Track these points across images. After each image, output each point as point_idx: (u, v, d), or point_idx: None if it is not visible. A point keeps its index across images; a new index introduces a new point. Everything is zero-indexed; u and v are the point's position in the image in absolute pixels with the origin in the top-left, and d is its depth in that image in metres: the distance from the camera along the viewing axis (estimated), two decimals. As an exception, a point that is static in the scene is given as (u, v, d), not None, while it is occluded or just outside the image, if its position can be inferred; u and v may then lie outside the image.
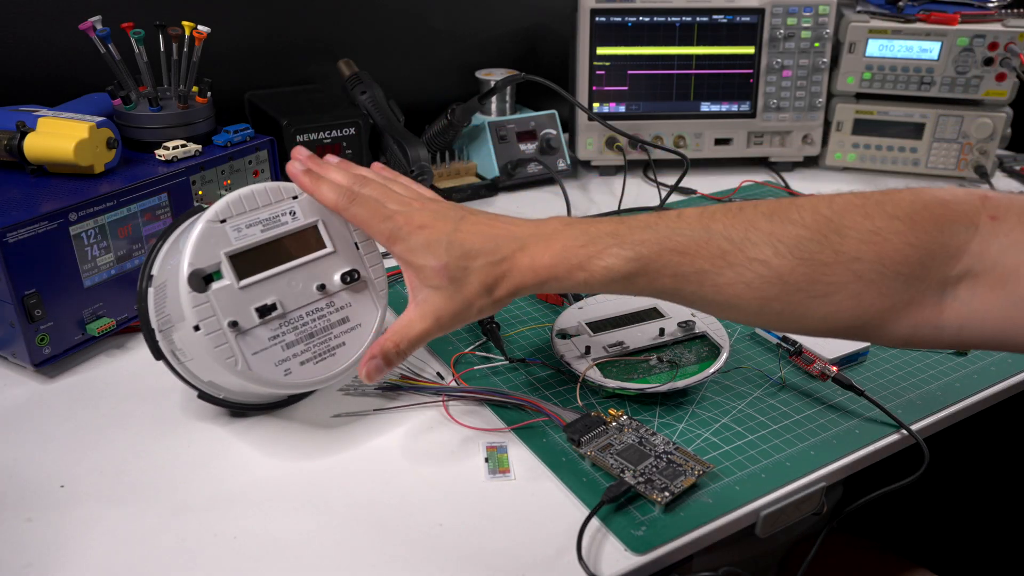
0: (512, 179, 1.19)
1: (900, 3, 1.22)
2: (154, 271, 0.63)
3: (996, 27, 1.17)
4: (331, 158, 0.69)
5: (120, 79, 0.85)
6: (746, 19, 1.20)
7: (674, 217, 0.56)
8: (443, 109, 1.16)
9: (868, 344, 0.76)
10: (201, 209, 0.63)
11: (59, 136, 0.74)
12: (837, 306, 0.52)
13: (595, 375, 0.69)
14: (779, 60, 1.21)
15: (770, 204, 0.55)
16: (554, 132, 1.22)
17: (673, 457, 0.61)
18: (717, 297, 0.54)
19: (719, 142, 1.26)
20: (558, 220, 0.60)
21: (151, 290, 0.63)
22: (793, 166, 1.30)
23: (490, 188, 1.18)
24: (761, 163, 1.31)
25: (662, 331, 0.75)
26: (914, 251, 0.50)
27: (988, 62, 1.17)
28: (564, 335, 0.74)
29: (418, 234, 0.59)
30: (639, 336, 0.74)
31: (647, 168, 1.27)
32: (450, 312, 0.59)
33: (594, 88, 1.22)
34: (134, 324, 0.79)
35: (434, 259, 0.58)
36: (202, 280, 0.59)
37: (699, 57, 1.22)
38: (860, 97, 1.26)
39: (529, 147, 1.21)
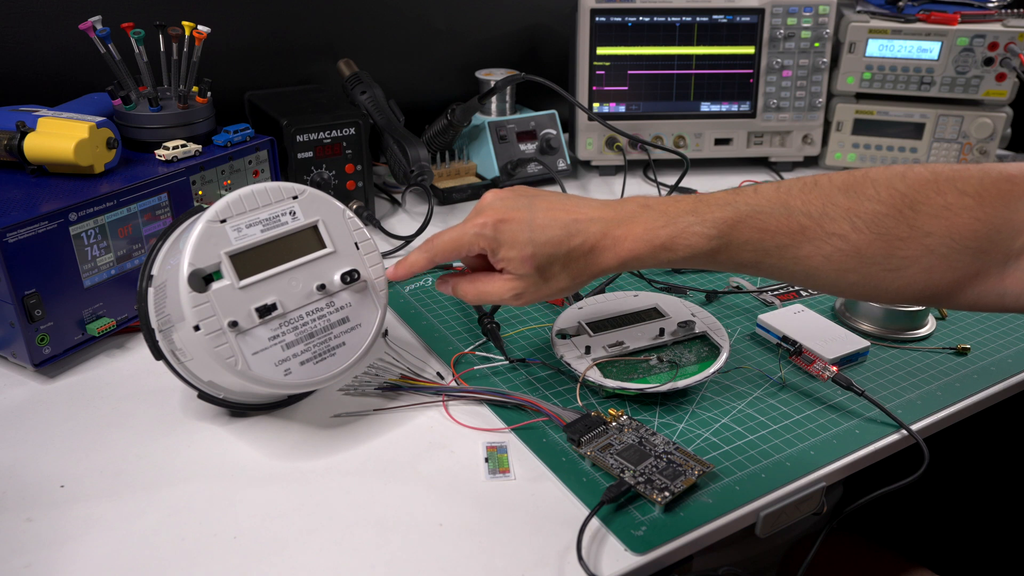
0: (512, 179, 1.19)
1: (900, 3, 1.22)
2: (154, 271, 0.63)
3: (996, 27, 1.17)
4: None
5: (120, 79, 0.85)
6: (746, 19, 1.20)
7: (751, 193, 0.58)
8: (443, 109, 1.16)
9: (868, 344, 0.76)
10: (201, 209, 0.63)
11: (59, 136, 0.74)
12: (910, 279, 0.55)
13: (595, 375, 0.69)
14: (779, 60, 1.21)
15: (844, 178, 0.57)
16: (554, 132, 1.22)
17: (673, 457, 0.61)
18: (796, 268, 0.57)
19: (719, 142, 1.26)
20: (635, 201, 0.62)
21: (151, 290, 0.63)
22: (793, 166, 1.30)
23: (490, 188, 1.17)
24: (761, 163, 1.31)
25: (662, 331, 0.75)
26: (982, 226, 0.52)
27: (988, 62, 1.17)
28: (564, 335, 0.74)
29: (501, 228, 0.61)
30: (639, 336, 0.74)
31: (647, 168, 1.27)
32: (536, 296, 0.62)
33: (594, 88, 1.22)
34: (134, 324, 0.79)
35: (518, 250, 0.60)
36: (202, 280, 0.59)
37: (699, 57, 1.22)
38: (860, 97, 1.26)
39: (529, 147, 1.21)
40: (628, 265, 0.60)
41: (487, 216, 0.62)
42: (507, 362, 0.74)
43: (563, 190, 1.13)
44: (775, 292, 0.88)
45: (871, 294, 0.57)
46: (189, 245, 0.59)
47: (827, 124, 1.27)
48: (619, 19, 1.19)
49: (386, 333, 0.80)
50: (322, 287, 0.65)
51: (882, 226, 0.54)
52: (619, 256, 0.59)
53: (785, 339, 0.76)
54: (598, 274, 0.61)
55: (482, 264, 0.65)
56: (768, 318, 0.79)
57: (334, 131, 0.98)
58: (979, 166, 0.55)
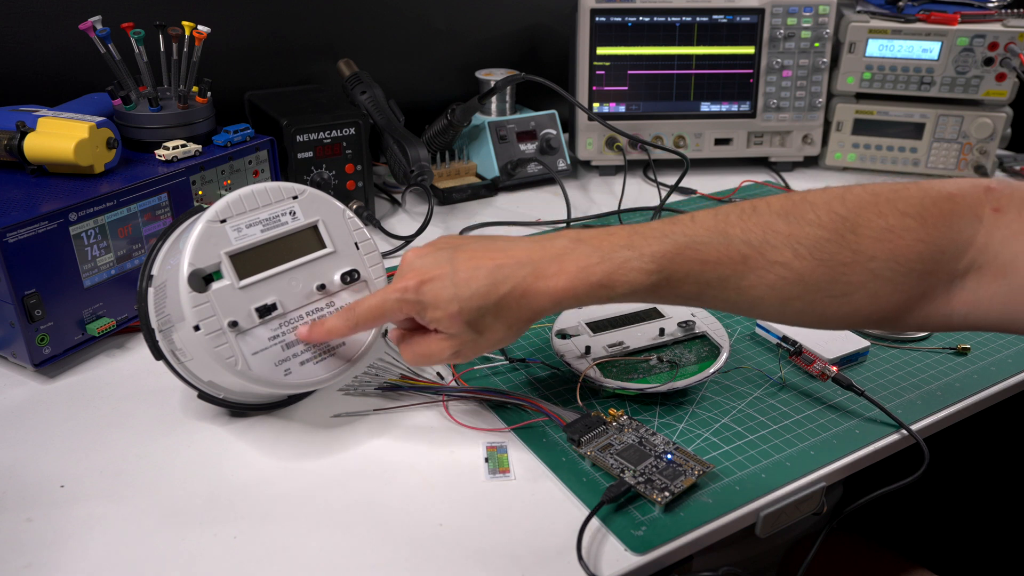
0: (512, 179, 1.19)
1: (900, 3, 1.22)
2: (154, 271, 0.63)
3: (996, 27, 1.17)
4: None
5: (120, 79, 0.85)
6: (746, 19, 1.20)
7: (688, 223, 0.56)
8: (443, 109, 1.16)
9: (868, 344, 0.76)
10: (201, 209, 0.63)
11: (59, 136, 0.74)
12: (857, 304, 0.53)
13: (595, 375, 0.69)
14: (779, 60, 1.21)
15: (783, 202, 0.55)
16: (554, 132, 1.22)
17: (673, 457, 0.61)
18: (740, 299, 0.55)
19: (719, 142, 1.26)
20: (565, 237, 0.59)
21: (151, 290, 0.63)
22: (793, 166, 1.30)
23: (490, 188, 1.18)
24: (761, 163, 1.31)
25: (662, 331, 0.75)
26: (926, 247, 0.51)
27: (988, 62, 1.17)
28: (564, 335, 0.74)
29: (423, 290, 0.58)
30: (639, 336, 0.74)
31: (647, 168, 1.27)
32: (475, 351, 0.60)
33: (594, 88, 1.22)
34: (134, 324, 0.79)
35: (443, 309, 0.57)
36: (202, 280, 0.59)
37: (699, 57, 1.22)
38: (860, 97, 1.26)
39: (529, 147, 1.21)
40: (564, 304, 0.57)
41: (408, 279, 0.59)
42: (507, 362, 0.74)
43: (563, 190, 1.13)
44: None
45: (817, 321, 0.56)
46: (189, 245, 0.59)
47: (827, 124, 1.27)
48: (619, 19, 1.19)
49: (386, 333, 0.80)
50: (322, 287, 0.65)
51: (824, 252, 0.52)
52: (553, 296, 0.56)
53: (785, 339, 0.76)
54: (534, 318, 0.58)
55: (415, 325, 0.62)
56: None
57: (334, 131, 0.98)
58: (918, 185, 0.53)
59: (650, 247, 0.55)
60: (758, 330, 0.81)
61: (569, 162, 1.23)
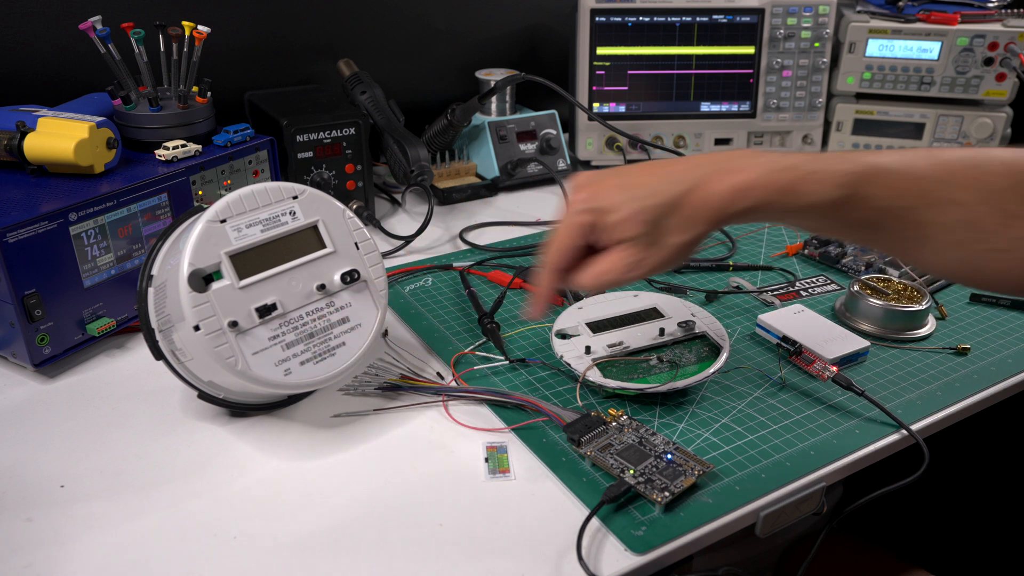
0: (512, 179, 1.19)
1: (900, 3, 1.22)
2: (154, 271, 0.63)
3: (996, 27, 1.17)
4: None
5: (120, 79, 0.85)
6: (746, 19, 1.20)
7: (873, 153, 0.55)
8: (443, 109, 1.16)
9: (868, 344, 0.76)
10: (201, 209, 0.63)
11: (59, 136, 0.74)
12: (1016, 262, 0.52)
13: (595, 375, 0.69)
14: (779, 60, 1.21)
15: (969, 150, 0.55)
16: (554, 132, 1.22)
17: (673, 457, 0.61)
18: (913, 236, 0.54)
19: (719, 142, 1.26)
20: (743, 151, 0.56)
21: (151, 290, 0.63)
22: (793, 166, 1.29)
23: (490, 188, 1.18)
24: (761, 163, 1.31)
25: (662, 331, 0.75)
26: None
27: (988, 62, 1.17)
28: (564, 335, 0.74)
29: (598, 197, 0.56)
30: (639, 336, 0.74)
31: (647, 168, 1.27)
32: (656, 260, 0.56)
33: (594, 88, 1.22)
34: (134, 324, 0.79)
35: (623, 211, 0.55)
36: (202, 280, 0.59)
37: (699, 57, 1.22)
38: (860, 97, 1.26)
39: (529, 147, 1.21)
40: (743, 204, 0.53)
41: (580, 192, 0.57)
42: (507, 362, 0.74)
43: (564, 190, 1.13)
44: (775, 292, 0.88)
45: (972, 274, 0.54)
46: (189, 245, 0.59)
47: (827, 124, 1.27)
48: (619, 19, 1.19)
49: (386, 333, 0.80)
50: (322, 287, 0.65)
51: (1002, 199, 0.52)
52: (735, 190, 0.53)
53: (785, 339, 0.76)
54: (713, 220, 0.54)
55: (586, 254, 0.59)
56: (768, 318, 0.79)
57: (334, 131, 0.98)
58: None
59: (839, 165, 0.54)
60: (758, 330, 0.81)
61: (569, 162, 1.23)
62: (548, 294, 0.61)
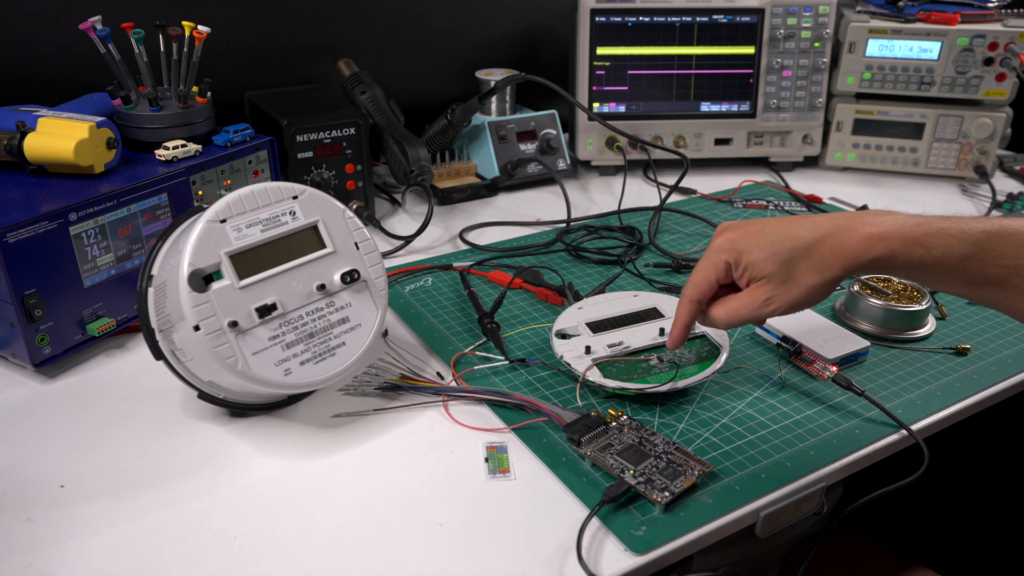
0: (512, 179, 1.19)
1: (900, 3, 1.22)
2: (154, 271, 0.63)
3: (996, 27, 1.17)
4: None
5: (120, 79, 0.85)
6: (746, 19, 1.20)
7: (1001, 218, 0.58)
8: (443, 109, 1.16)
9: (868, 344, 0.76)
10: (201, 209, 0.63)
11: (59, 136, 0.74)
12: None
13: (595, 375, 0.69)
14: (779, 60, 1.21)
15: None
16: (554, 132, 1.22)
17: (673, 457, 0.61)
18: None
19: (719, 142, 1.26)
20: (878, 210, 0.61)
21: (151, 290, 0.63)
22: (793, 166, 1.30)
23: (490, 188, 1.18)
24: (761, 163, 1.31)
25: (662, 331, 0.75)
26: None
27: (988, 62, 1.17)
28: (564, 335, 0.74)
29: (738, 240, 0.61)
30: (639, 336, 0.74)
31: (647, 168, 1.27)
32: (787, 299, 0.60)
33: (594, 88, 1.22)
34: (134, 324, 0.79)
35: (759, 252, 0.60)
36: (202, 280, 0.59)
37: (699, 57, 1.22)
38: (860, 97, 1.26)
39: (529, 147, 1.21)
40: (876, 251, 0.57)
41: (723, 235, 0.63)
42: (507, 362, 0.74)
43: (563, 190, 1.13)
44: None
45: None
46: (189, 245, 0.59)
47: (827, 124, 1.27)
48: (619, 19, 1.19)
49: (386, 333, 0.80)
50: (322, 287, 0.65)
51: None
52: (869, 238, 0.57)
53: (785, 339, 0.76)
54: (846, 267, 0.58)
55: (724, 294, 0.64)
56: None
57: (334, 131, 0.98)
58: None
59: (967, 224, 0.57)
60: (758, 330, 0.81)
61: (569, 162, 1.23)
62: (686, 323, 0.65)
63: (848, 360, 0.75)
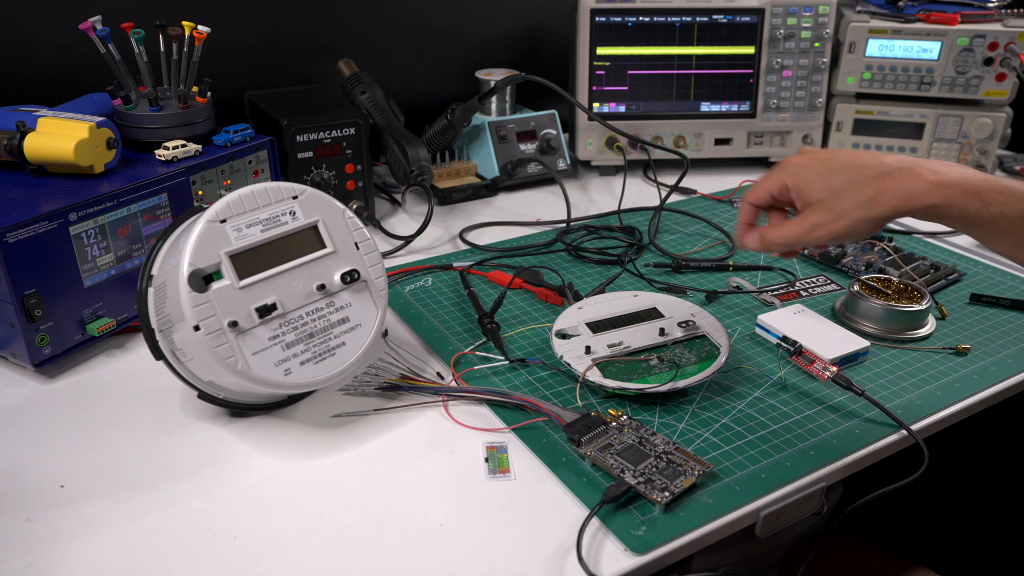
0: (512, 179, 1.19)
1: (900, 3, 1.22)
2: (154, 271, 0.63)
3: (996, 27, 1.17)
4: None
5: (120, 79, 0.85)
6: (746, 19, 1.20)
7: None
8: (443, 109, 1.16)
9: (868, 344, 0.76)
10: (201, 209, 0.63)
11: (59, 136, 0.74)
12: None
13: (595, 375, 0.69)
14: (779, 60, 1.21)
15: None
16: (554, 132, 1.22)
17: (673, 457, 0.61)
18: None
19: (719, 142, 1.26)
20: (941, 161, 0.61)
21: (151, 290, 0.63)
22: (793, 166, 1.30)
23: (490, 188, 1.18)
24: (761, 163, 1.31)
25: (662, 331, 0.75)
26: None
27: (988, 62, 1.17)
28: (564, 335, 0.74)
29: (799, 161, 0.64)
30: (639, 336, 0.74)
31: (647, 168, 1.27)
32: (833, 227, 0.61)
33: (594, 88, 1.22)
34: (134, 324, 0.79)
35: (817, 176, 0.62)
36: (202, 280, 0.59)
37: (699, 57, 1.22)
38: (860, 97, 1.26)
39: (529, 147, 1.21)
40: (931, 196, 0.57)
41: (790, 159, 0.65)
42: (507, 362, 0.74)
43: (563, 190, 1.13)
44: (775, 292, 0.88)
45: None
46: (189, 245, 0.59)
47: (827, 124, 1.27)
48: (619, 19, 1.19)
49: (386, 333, 0.80)
50: (322, 287, 0.65)
51: None
52: (923, 183, 0.57)
53: (785, 339, 0.76)
54: (899, 206, 0.58)
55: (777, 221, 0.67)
56: (768, 318, 0.79)
57: (334, 131, 0.98)
58: None
59: None
60: (758, 330, 0.81)
61: (569, 162, 1.23)
62: (744, 222, 0.69)
63: (848, 360, 0.75)
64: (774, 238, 0.65)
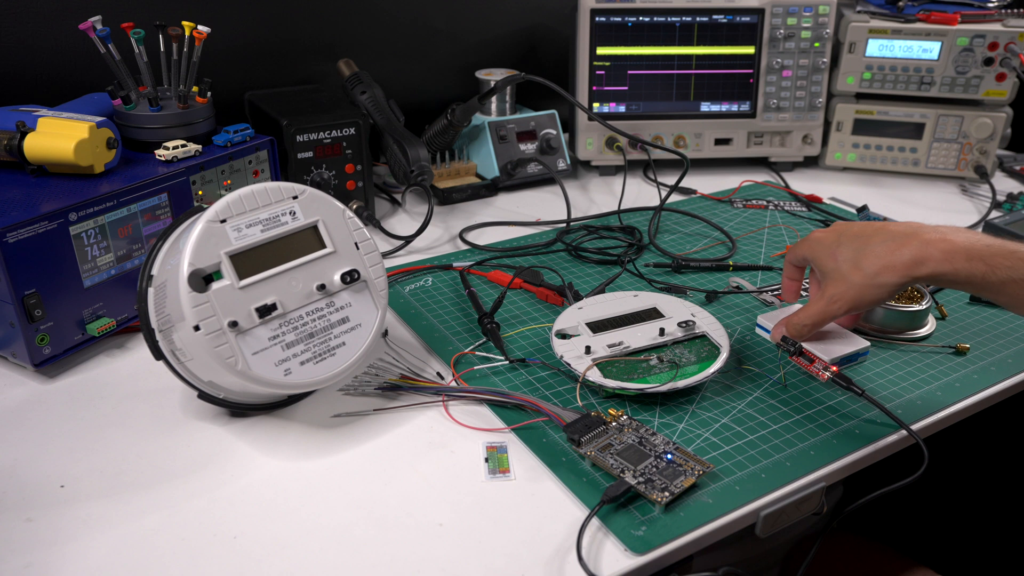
0: (512, 179, 1.19)
1: (900, 3, 1.22)
2: (154, 271, 0.63)
3: (996, 27, 1.17)
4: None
5: (120, 79, 0.85)
6: (746, 19, 1.20)
7: None
8: (443, 109, 1.16)
9: (868, 344, 0.76)
10: (201, 209, 0.63)
11: (59, 136, 0.74)
12: None
13: (595, 375, 0.69)
14: (779, 60, 1.21)
15: None
16: (554, 132, 1.22)
17: (673, 457, 0.61)
18: None
19: (719, 142, 1.26)
20: (956, 227, 0.63)
21: (151, 290, 0.63)
22: (793, 166, 1.30)
23: (490, 188, 1.18)
24: (761, 163, 1.31)
25: (662, 331, 0.75)
26: None
27: (988, 62, 1.17)
28: (564, 335, 0.74)
29: (818, 234, 0.68)
30: (639, 336, 0.74)
31: (647, 168, 1.27)
32: (847, 294, 0.64)
33: (594, 88, 1.22)
34: (134, 324, 0.79)
35: (827, 248, 0.66)
36: (202, 280, 0.59)
37: (699, 57, 1.22)
38: (860, 97, 1.26)
39: (529, 147, 1.21)
40: (940, 264, 0.60)
41: (812, 232, 0.69)
42: (507, 362, 0.74)
43: (563, 190, 1.12)
44: (775, 292, 0.88)
45: None
46: (189, 245, 0.59)
47: (827, 124, 1.27)
48: (619, 19, 1.19)
49: (386, 333, 0.80)
50: (322, 287, 0.65)
51: None
52: (935, 249, 0.60)
53: (785, 339, 0.76)
54: (904, 271, 0.61)
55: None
56: (768, 318, 0.79)
57: (334, 131, 0.98)
58: None
59: None
60: (758, 330, 0.81)
61: (569, 162, 1.23)
62: (789, 276, 0.74)
63: (848, 360, 0.75)
64: (800, 319, 0.69)
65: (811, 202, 1.15)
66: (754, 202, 1.15)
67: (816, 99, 1.23)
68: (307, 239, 0.65)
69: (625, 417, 0.65)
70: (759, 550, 1.03)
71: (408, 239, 1.00)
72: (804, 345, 0.74)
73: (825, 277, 0.67)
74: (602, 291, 0.87)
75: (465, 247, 1.00)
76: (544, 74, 1.11)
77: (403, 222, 1.10)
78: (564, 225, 1.07)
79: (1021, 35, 1.16)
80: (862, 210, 1.11)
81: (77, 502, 0.58)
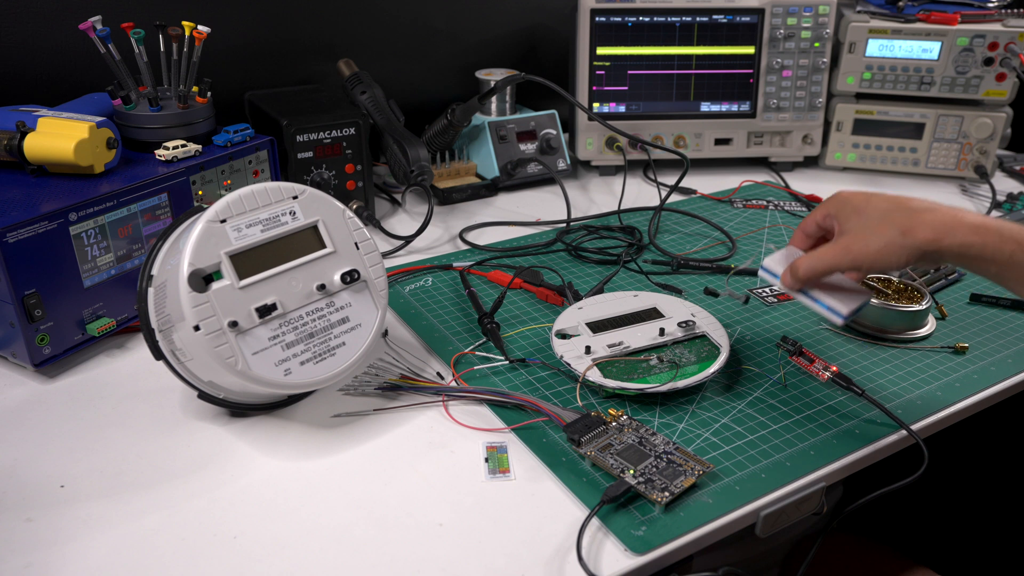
0: (512, 179, 1.19)
1: (900, 3, 1.22)
2: (154, 271, 0.63)
3: (996, 27, 1.17)
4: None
5: (120, 79, 0.85)
6: (746, 19, 1.20)
7: None
8: (443, 109, 1.16)
9: (871, 294, 0.75)
10: (201, 209, 0.63)
11: (59, 136, 0.74)
12: None
13: (595, 375, 0.69)
14: (779, 60, 1.21)
15: None
16: (554, 132, 1.22)
17: (673, 457, 0.61)
18: None
19: (719, 142, 1.26)
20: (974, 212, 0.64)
21: (151, 290, 0.63)
22: (793, 166, 1.30)
23: (490, 188, 1.18)
24: (761, 163, 1.31)
25: (662, 331, 0.75)
26: None
27: (988, 62, 1.17)
28: (564, 335, 0.74)
29: (851, 196, 0.67)
30: (639, 336, 0.74)
31: (647, 168, 1.27)
32: (860, 249, 0.63)
33: (594, 88, 1.22)
34: (134, 324, 0.79)
35: (854, 207, 0.65)
36: (202, 280, 0.59)
37: (699, 57, 1.22)
38: (860, 97, 1.26)
39: (529, 147, 1.21)
40: (970, 235, 0.60)
41: (839, 192, 0.68)
42: (507, 362, 0.74)
43: (563, 190, 1.12)
44: (775, 292, 0.88)
45: None
46: (189, 245, 0.59)
47: (827, 124, 1.27)
48: (619, 19, 1.19)
49: (386, 333, 0.80)
50: (322, 287, 0.65)
51: None
52: (965, 222, 0.60)
53: (785, 339, 0.76)
54: (933, 235, 0.61)
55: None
56: (774, 261, 0.75)
57: (334, 131, 0.98)
58: None
59: None
60: (762, 273, 0.78)
61: (569, 162, 1.23)
62: (796, 244, 0.71)
63: (857, 312, 0.72)
64: (809, 262, 0.67)
65: (811, 202, 1.15)
66: (754, 202, 1.15)
67: (816, 99, 1.23)
68: (307, 239, 0.65)
69: (625, 417, 0.65)
70: (759, 550, 1.03)
71: (408, 239, 1.00)
72: (804, 344, 0.74)
73: (846, 233, 0.65)
74: (600, 290, 0.87)
75: (465, 247, 1.00)
76: (544, 74, 1.11)
77: (403, 222, 1.10)
78: (564, 225, 1.07)
79: (1021, 35, 1.16)
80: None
81: (77, 502, 0.58)
